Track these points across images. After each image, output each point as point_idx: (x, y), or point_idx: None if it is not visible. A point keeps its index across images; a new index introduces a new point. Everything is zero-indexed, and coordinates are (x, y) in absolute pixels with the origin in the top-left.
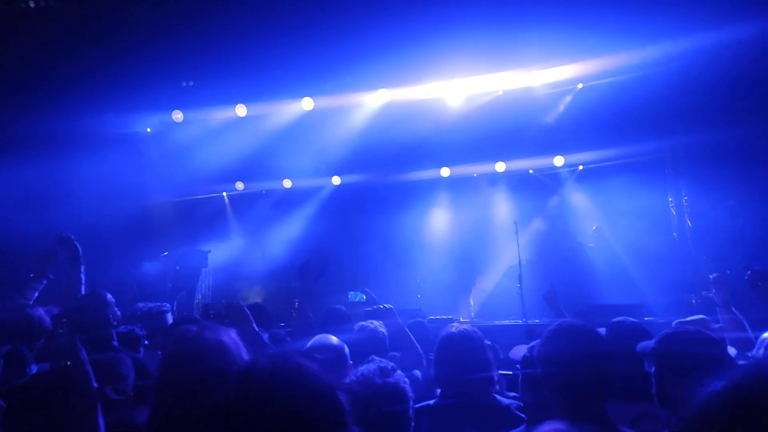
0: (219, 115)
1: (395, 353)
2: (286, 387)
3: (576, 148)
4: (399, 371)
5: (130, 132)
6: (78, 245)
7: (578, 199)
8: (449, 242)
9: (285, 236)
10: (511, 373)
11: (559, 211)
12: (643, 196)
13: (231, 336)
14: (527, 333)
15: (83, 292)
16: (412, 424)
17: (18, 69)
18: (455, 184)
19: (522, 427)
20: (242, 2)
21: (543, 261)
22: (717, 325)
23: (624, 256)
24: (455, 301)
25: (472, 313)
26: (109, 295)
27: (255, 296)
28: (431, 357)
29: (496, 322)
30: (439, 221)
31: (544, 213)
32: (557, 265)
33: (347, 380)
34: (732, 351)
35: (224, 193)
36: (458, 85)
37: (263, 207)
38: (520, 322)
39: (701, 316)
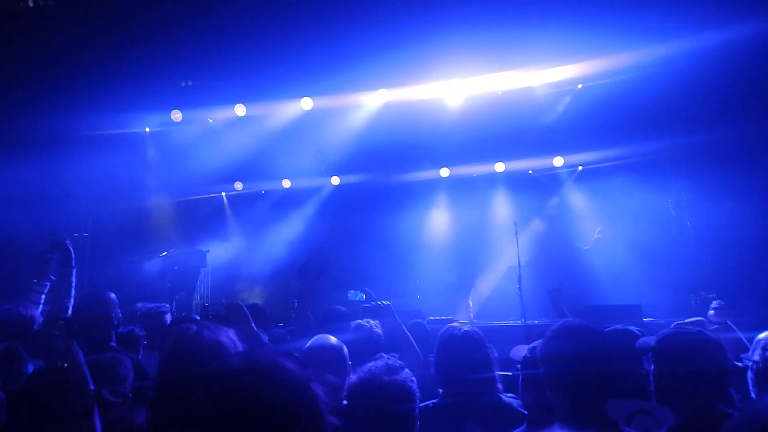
0: (218, 114)
1: (394, 354)
2: (258, 385)
3: (575, 149)
4: (406, 369)
5: (129, 132)
6: (71, 248)
7: (578, 200)
8: (448, 243)
9: (284, 236)
10: (510, 374)
11: (559, 212)
12: (642, 196)
13: (229, 336)
14: (527, 335)
15: (73, 295)
16: (418, 423)
17: (16, 68)
18: (455, 185)
19: (523, 427)
20: (241, 2)
21: (542, 262)
22: (714, 327)
23: (623, 257)
24: (454, 302)
25: (472, 314)
26: (112, 295)
27: (254, 297)
28: (430, 358)
29: (496, 323)
30: (438, 222)
31: (544, 214)
32: (556, 265)
33: (353, 377)
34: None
35: (223, 194)
36: (457, 86)
37: (262, 207)
38: (519, 322)
39: (699, 318)
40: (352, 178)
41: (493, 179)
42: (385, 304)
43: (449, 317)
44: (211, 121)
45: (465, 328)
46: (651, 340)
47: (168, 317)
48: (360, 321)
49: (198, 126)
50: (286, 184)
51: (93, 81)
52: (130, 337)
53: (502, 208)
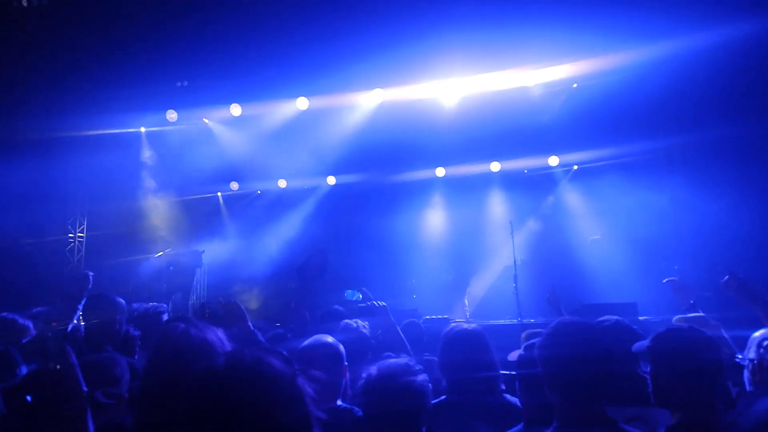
0: (213, 114)
1: (390, 353)
2: (243, 383)
3: (571, 148)
4: (423, 373)
5: (125, 132)
6: (90, 280)
7: (573, 199)
8: (444, 242)
9: (280, 236)
10: (508, 373)
11: (555, 211)
12: (637, 194)
13: (217, 335)
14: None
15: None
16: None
17: (11, 68)
18: (450, 184)
19: (520, 426)
20: (236, 2)
21: (538, 261)
22: (715, 323)
23: (619, 255)
24: (451, 301)
25: (468, 313)
26: (121, 300)
27: (251, 296)
28: (426, 357)
29: (492, 322)
30: (434, 221)
31: (540, 213)
32: (552, 264)
33: (373, 373)
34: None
35: (219, 194)
36: (453, 85)
37: (258, 207)
38: (515, 321)
39: (701, 313)
40: (348, 178)
41: (488, 179)
42: (380, 304)
43: (446, 316)
44: (206, 121)
45: (470, 327)
46: (645, 342)
47: (165, 317)
48: (348, 321)
49: (193, 126)
50: (282, 184)
51: (88, 81)
52: (126, 337)
53: (497, 207)
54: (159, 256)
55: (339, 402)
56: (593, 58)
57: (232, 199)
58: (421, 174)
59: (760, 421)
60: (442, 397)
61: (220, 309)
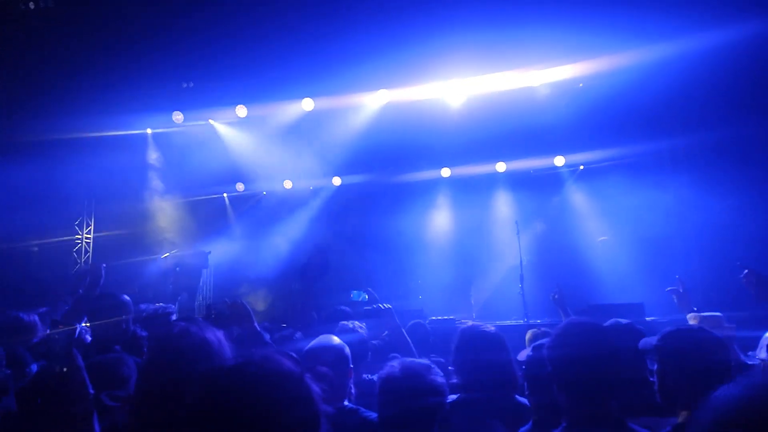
0: (219, 116)
1: (396, 354)
2: (251, 381)
3: (577, 148)
4: (441, 375)
5: (131, 133)
6: (103, 274)
7: (579, 199)
8: (450, 243)
9: (286, 237)
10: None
11: (560, 211)
12: (644, 195)
13: (216, 335)
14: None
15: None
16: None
17: (18, 70)
18: (456, 185)
19: (528, 426)
20: (242, 3)
21: (544, 261)
22: (729, 324)
23: (625, 255)
24: (456, 302)
25: (474, 314)
26: (127, 298)
27: (256, 297)
28: (432, 357)
29: (498, 323)
30: (440, 222)
31: (546, 213)
32: (558, 265)
33: (396, 370)
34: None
35: (225, 194)
36: (458, 85)
37: (264, 208)
38: (521, 322)
39: (717, 313)
40: (354, 179)
41: (494, 179)
42: (386, 307)
43: (452, 317)
44: (212, 122)
45: (489, 328)
46: (653, 339)
47: (173, 318)
48: (345, 323)
49: (199, 127)
50: (288, 185)
51: (94, 83)
52: (134, 338)
53: (503, 207)
54: (165, 257)
55: (345, 402)
56: (599, 58)
57: (237, 200)
58: (427, 174)
59: (720, 414)
60: (457, 396)
61: (227, 309)
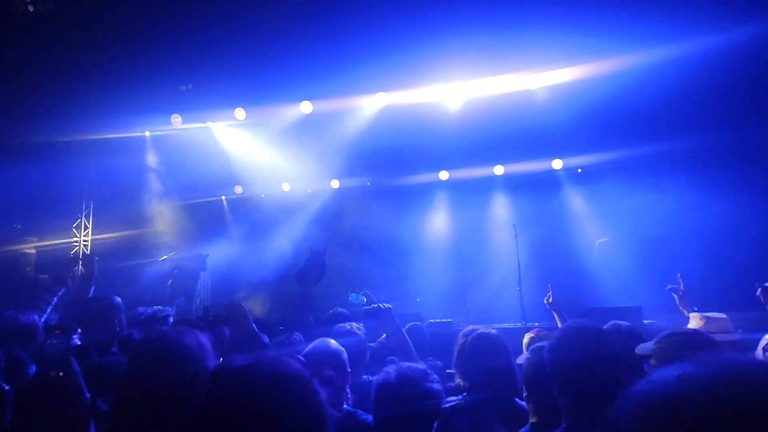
0: (218, 118)
1: (394, 357)
2: (260, 382)
3: (575, 151)
4: (437, 381)
5: (129, 136)
6: (95, 265)
7: (577, 202)
8: (448, 246)
9: (284, 240)
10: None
11: (558, 214)
12: (642, 197)
13: (198, 339)
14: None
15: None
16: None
17: (16, 72)
18: (454, 188)
19: (526, 428)
20: (240, 6)
21: (542, 264)
22: (737, 330)
23: (624, 258)
24: (454, 305)
25: (471, 317)
26: (118, 300)
27: (254, 300)
28: (429, 360)
29: (495, 326)
30: (437, 225)
31: (543, 216)
32: (556, 268)
33: (391, 376)
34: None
35: (223, 197)
36: (456, 89)
37: (262, 211)
38: (519, 325)
39: (723, 315)
40: (352, 182)
41: (492, 182)
42: (386, 307)
43: (449, 320)
44: (210, 124)
45: (489, 331)
46: (650, 344)
47: (170, 321)
48: (343, 324)
49: (198, 130)
50: (286, 187)
51: (93, 85)
52: (129, 341)
53: (501, 210)
54: (163, 259)
55: (344, 405)
56: (597, 60)
57: (236, 203)
58: (425, 177)
59: (642, 408)
60: (458, 398)
61: (224, 311)
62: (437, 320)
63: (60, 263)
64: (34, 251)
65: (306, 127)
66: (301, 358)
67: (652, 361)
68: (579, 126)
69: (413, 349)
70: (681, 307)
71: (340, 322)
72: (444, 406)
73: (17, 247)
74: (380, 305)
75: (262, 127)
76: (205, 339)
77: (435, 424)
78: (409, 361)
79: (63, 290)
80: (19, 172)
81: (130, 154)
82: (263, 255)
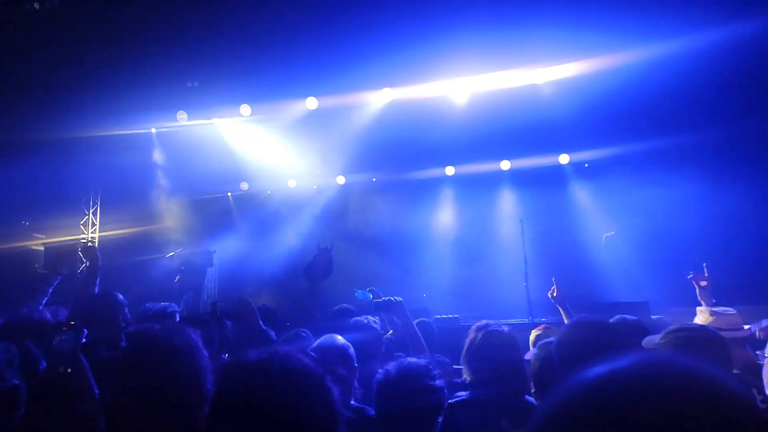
0: (224, 115)
1: (401, 354)
2: (273, 378)
3: (582, 145)
4: (439, 376)
5: (136, 132)
6: (99, 255)
7: (584, 196)
8: (455, 241)
9: (290, 236)
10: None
11: (565, 209)
12: (650, 191)
13: (188, 340)
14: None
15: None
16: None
17: (23, 70)
18: (460, 183)
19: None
20: (246, 3)
21: (550, 259)
22: (749, 326)
23: (632, 253)
24: (461, 300)
25: (478, 312)
26: (120, 296)
27: (261, 296)
28: (437, 358)
29: (502, 321)
30: (444, 220)
31: (550, 211)
32: (564, 263)
33: (391, 373)
34: None
35: (229, 194)
36: (461, 84)
37: (268, 207)
38: (526, 321)
39: (732, 310)
40: (358, 178)
41: (498, 177)
42: (397, 300)
43: (456, 315)
44: (216, 121)
45: (501, 328)
46: (656, 337)
47: (177, 317)
48: (358, 318)
49: (204, 126)
50: (292, 183)
51: (99, 82)
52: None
53: (507, 206)
54: (170, 256)
55: (351, 401)
56: (604, 54)
57: (242, 199)
58: (431, 173)
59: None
60: (466, 394)
61: (232, 307)
62: (444, 316)
63: (55, 254)
64: (42, 248)
65: (311, 124)
66: (312, 354)
67: None
68: (585, 120)
69: (424, 343)
70: (700, 299)
71: (346, 318)
72: (450, 401)
73: (25, 244)
74: (392, 298)
75: (268, 123)
76: (196, 337)
77: (439, 420)
78: (421, 355)
79: (58, 280)
80: (26, 169)
81: (137, 151)
82: (270, 251)
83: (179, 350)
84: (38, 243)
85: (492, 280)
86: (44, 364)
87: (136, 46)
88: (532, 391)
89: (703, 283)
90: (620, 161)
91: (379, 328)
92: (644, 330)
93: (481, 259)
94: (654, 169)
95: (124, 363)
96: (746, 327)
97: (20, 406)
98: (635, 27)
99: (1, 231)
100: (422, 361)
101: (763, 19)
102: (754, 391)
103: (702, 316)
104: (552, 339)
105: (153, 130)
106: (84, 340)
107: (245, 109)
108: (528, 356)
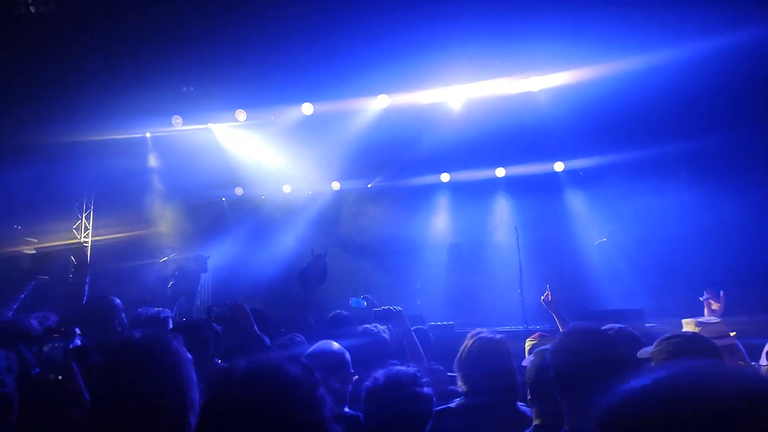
0: (219, 120)
1: (395, 361)
2: (259, 389)
3: (577, 153)
4: (429, 383)
5: (130, 137)
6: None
7: (578, 204)
8: (450, 247)
9: (284, 241)
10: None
11: (560, 216)
12: (644, 199)
13: (170, 347)
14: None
15: (84, 299)
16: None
17: (17, 73)
18: (455, 189)
19: (530, 430)
20: (242, 8)
21: (544, 266)
22: (733, 333)
23: (626, 260)
24: (455, 308)
25: (472, 320)
26: (117, 300)
27: (255, 302)
28: (433, 366)
29: (497, 329)
30: (439, 226)
31: (545, 218)
32: (558, 270)
33: (379, 380)
34: None
35: (224, 199)
36: (457, 91)
37: (263, 212)
38: (520, 328)
39: (716, 319)
40: (353, 184)
41: (493, 184)
42: (396, 309)
43: (451, 323)
44: (211, 126)
45: (492, 336)
46: (651, 348)
47: (171, 322)
48: (367, 326)
49: (199, 131)
50: (287, 189)
51: (94, 86)
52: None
53: (503, 212)
54: (164, 260)
55: (346, 409)
56: (598, 63)
57: (236, 205)
58: (426, 180)
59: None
60: (457, 401)
61: (227, 312)
62: (439, 323)
63: (28, 260)
64: (34, 252)
65: (307, 129)
66: (305, 362)
67: (653, 364)
68: (580, 128)
69: (422, 352)
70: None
71: (340, 325)
72: (437, 408)
73: (17, 248)
74: (391, 308)
75: (263, 128)
76: (178, 344)
77: (427, 427)
78: (419, 364)
79: (32, 285)
80: (19, 173)
81: (131, 155)
82: (264, 257)
83: (157, 359)
84: (30, 248)
85: (486, 287)
86: (37, 370)
87: (131, 50)
88: (528, 398)
89: (715, 307)
90: (615, 169)
91: (388, 336)
92: (636, 338)
93: (476, 265)
94: (648, 177)
95: (102, 371)
96: (732, 334)
97: (13, 412)
98: (629, 36)
99: None
100: (411, 369)
101: (755, 28)
102: None
103: (688, 327)
104: (548, 346)
105: (147, 135)
106: (79, 342)
107: (241, 114)
108: (525, 363)
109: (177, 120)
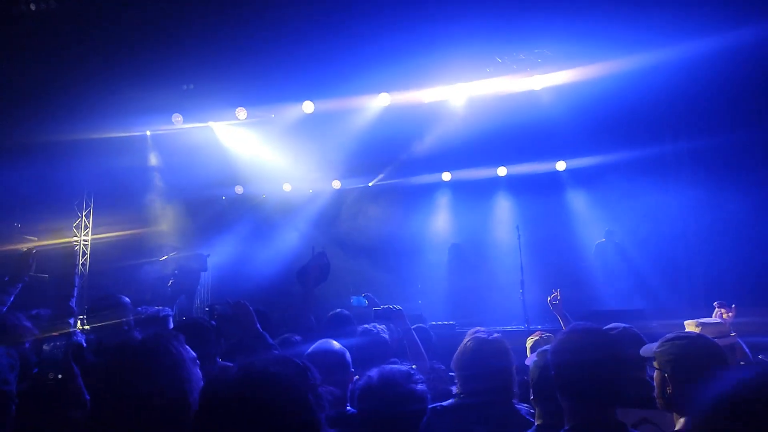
0: (219, 118)
1: (395, 360)
2: (251, 394)
3: (578, 152)
4: (423, 381)
5: (130, 135)
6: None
7: (580, 203)
8: (451, 247)
9: (285, 240)
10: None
11: (562, 215)
12: (646, 199)
13: (170, 348)
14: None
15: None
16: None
17: (18, 72)
18: (457, 188)
19: (532, 429)
20: (242, 6)
21: (546, 266)
22: (733, 333)
23: (629, 260)
24: (456, 307)
25: (474, 319)
26: (126, 299)
27: (256, 300)
28: (435, 366)
29: (498, 328)
30: (440, 226)
31: (546, 217)
32: (560, 269)
33: (373, 378)
34: None
35: (224, 197)
36: (459, 89)
37: (263, 211)
38: (522, 327)
39: (719, 320)
40: (354, 183)
41: (495, 183)
42: (396, 308)
43: (452, 322)
44: (212, 124)
45: (489, 335)
46: (653, 345)
47: (171, 321)
48: (367, 326)
49: (199, 129)
50: (287, 187)
51: (94, 84)
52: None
53: (504, 211)
54: (164, 259)
55: (348, 407)
56: (601, 62)
57: (237, 203)
58: (427, 178)
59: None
60: (450, 401)
61: (229, 310)
62: (440, 322)
63: (15, 260)
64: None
65: (308, 128)
66: (304, 362)
67: (655, 364)
68: (582, 127)
69: (423, 351)
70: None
71: (341, 324)
72: (431, 406)
73: (17, 247)
74: (391, 306)
75: (264, 127)
76: (178, 344)
77: (422, 426)
78: (420, 362)
79: (18, 288)
80: (18, 172)
81: (131, 154)
82: (264, 255)
83: (157, 359)
84: (30, 246)
85: (488, 287)
86: (36, 369)
87: (132, 48)
88: (531, 398)
89: (726, 316)
90: (616, 168)
91: (388, 336)
92: (640, 339)
93: (477, 265)
94: (649, 177)
95: (102, 371)
96: (732, 335)
97: (8, 414)
98: (631, 35)
99: None
100: (404, 367)
101: (758, 28)
102: None
103: (689, 328)
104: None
105: (148, 133)
106: (82, 341)
107: (241, 112)
108: (528, 362)
109: (177, 118)
